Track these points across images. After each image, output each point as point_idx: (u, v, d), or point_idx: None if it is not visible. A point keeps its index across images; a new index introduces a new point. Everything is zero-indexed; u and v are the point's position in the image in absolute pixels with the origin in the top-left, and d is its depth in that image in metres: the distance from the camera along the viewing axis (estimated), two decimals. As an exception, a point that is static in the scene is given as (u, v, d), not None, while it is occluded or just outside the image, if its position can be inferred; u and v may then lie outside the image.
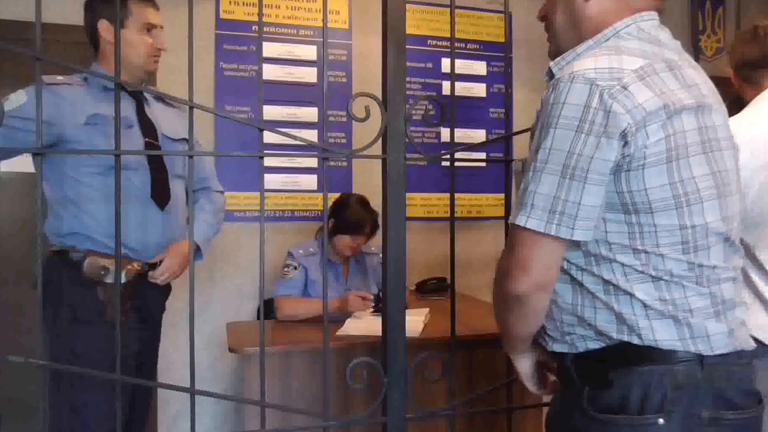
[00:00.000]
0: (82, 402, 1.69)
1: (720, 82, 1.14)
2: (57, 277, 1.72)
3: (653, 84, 0.93)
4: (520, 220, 0.95)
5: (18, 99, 1.66)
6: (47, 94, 1.65)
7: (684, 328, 0.94)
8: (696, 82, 0.99)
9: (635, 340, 0.95)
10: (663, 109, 0.92)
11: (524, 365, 1.19)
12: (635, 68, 0.94)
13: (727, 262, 1.00)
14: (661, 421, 0.92)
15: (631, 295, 0.95)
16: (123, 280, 1.77)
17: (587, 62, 0.95)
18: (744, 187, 1.26)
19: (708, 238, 0.96)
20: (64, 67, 1.23)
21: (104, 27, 1.81)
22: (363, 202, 2.58)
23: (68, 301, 1.72)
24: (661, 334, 0.95)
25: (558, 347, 1.05)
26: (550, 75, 1.08)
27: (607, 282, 0.97)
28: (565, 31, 1.11)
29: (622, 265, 0.96)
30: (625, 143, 0.91)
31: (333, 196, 2.66)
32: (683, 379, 0.93)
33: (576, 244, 0.98)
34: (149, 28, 1.83)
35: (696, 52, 1.57)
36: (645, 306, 0.95)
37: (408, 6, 2.75)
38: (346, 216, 2.50)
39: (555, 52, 1.13)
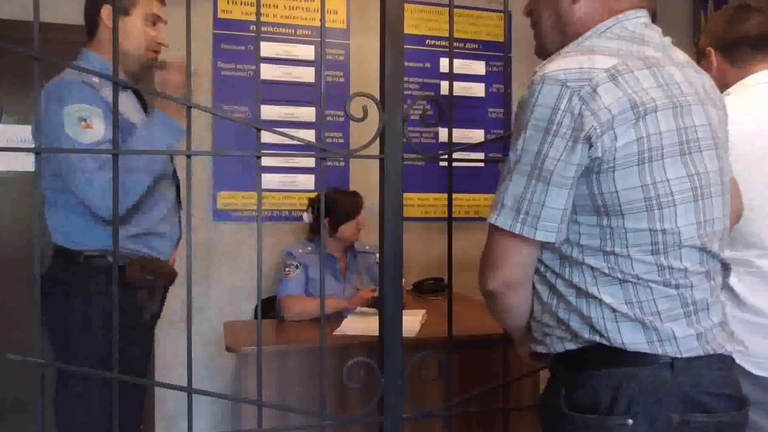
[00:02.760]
0: (82, 403, 1.67)
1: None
2: (94, 284, 1.67)
3: (625, 84, 0.92)
4: (491, 218, 0.99)
5: (94, 135, 1.56)
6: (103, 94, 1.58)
7: (651, 331, 0.94)
8: (676, 81, 0.97)
9: (605, 342, 0.96)
10: (631, 110, 0.91)
11: (522, 350, 1.21)
12: (607, 67, 0.93)
13: (703, 264, 0.98)
14: (629, 422, 0.92)
15: (600, 300, 0.96)
16: (162, 283, 1.83)
17: (558, 63, 0.96)
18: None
19: (680, 242, 0.95)
20: (63, 66, 1.23)
21: (107, 13, 1.70)
22: (343, 191, 2.76)
23: (107, 306, 1.69)
24: (629, 337, 0.95)
25: (540, 349, 1.07)
26: None
27: (576, 287, 0.98)
28: (550, 32, 1.11)
29: (591, 268, 0.96)
30: (591, 146, 0.91)
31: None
32: (648, 382, 0.93)
33: (551, 247, 0.99)
34: (155, 20, 1.77)
35: (698, 52, 1.56)
36: (613, 310, 0.95)
37: (406, 5, 2.75)
38: (341, 208, 2.59)
39: (540, 52, 1.14)
